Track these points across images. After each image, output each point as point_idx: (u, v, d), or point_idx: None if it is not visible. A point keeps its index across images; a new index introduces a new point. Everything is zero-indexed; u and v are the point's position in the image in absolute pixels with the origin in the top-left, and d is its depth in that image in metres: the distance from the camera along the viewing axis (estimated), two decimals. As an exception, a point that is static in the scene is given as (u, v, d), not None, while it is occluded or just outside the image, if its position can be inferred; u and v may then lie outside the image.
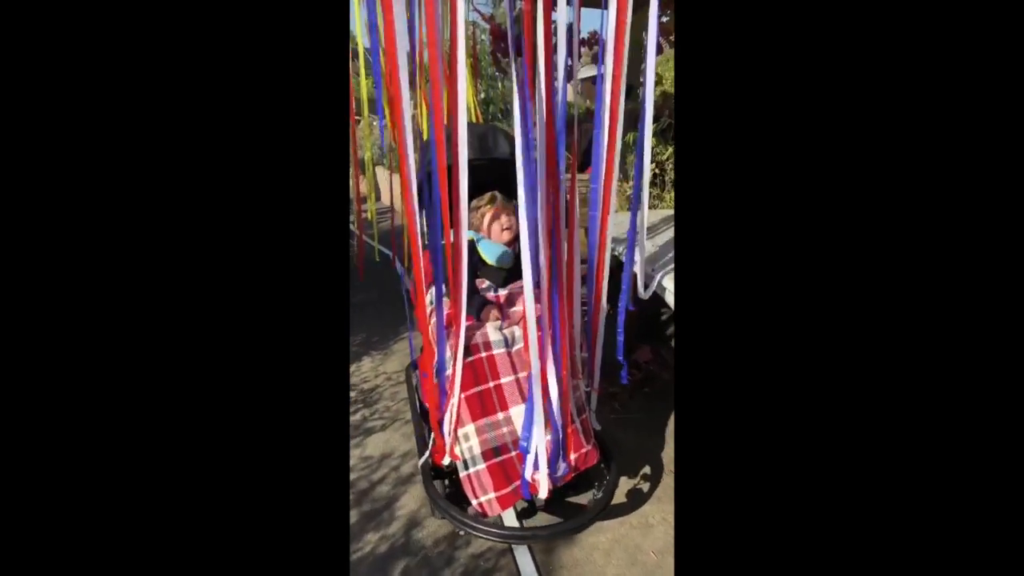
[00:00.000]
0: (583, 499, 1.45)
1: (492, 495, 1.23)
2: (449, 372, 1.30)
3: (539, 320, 1.27)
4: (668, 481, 1.61)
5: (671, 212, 2.47)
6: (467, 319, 1.36)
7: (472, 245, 1.53)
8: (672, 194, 2.71)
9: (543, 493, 1.22)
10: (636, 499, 1.53)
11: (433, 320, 1.41)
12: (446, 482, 1.38)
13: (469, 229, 1.48)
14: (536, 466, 1.22)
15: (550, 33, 1.04)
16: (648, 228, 1.45)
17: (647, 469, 1.66)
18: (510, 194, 1.56)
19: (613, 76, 1.10)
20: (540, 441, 1.22)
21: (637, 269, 1.48)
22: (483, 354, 1.29)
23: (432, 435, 1.43)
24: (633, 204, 1.53)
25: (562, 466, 1.23)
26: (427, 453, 1.42)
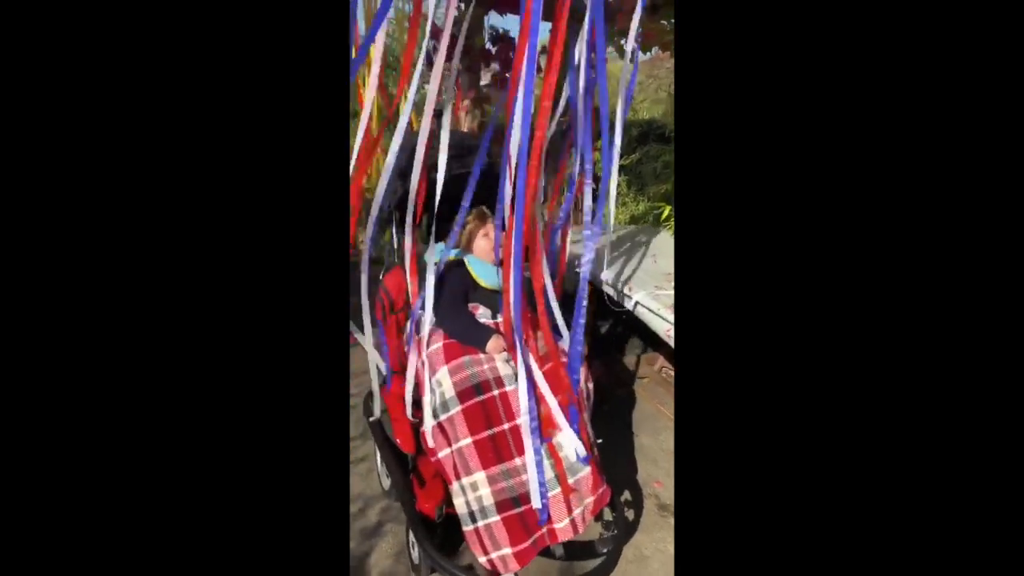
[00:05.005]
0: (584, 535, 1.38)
1: (507, 550, 1.10)
2: (451, 413, 1.15)
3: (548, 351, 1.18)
4: (650, 506, 1.60)
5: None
6: (472, 351, 1.21)
7: (462, 266, 1.37)
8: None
9: (567, 537, 1.13)
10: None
11: (429, 350, 1.24)
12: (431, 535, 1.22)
13: (454, 247, 1.33)
14: (559, 512, 1.12)
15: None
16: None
17: (627, 495, 1.64)
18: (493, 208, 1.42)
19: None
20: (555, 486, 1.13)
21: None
22: (495, 391, 1.15)
23: (421, 482, 1.26)
24: (597, 218, 1.51)
25: (588, 502, 1.15)
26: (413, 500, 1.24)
